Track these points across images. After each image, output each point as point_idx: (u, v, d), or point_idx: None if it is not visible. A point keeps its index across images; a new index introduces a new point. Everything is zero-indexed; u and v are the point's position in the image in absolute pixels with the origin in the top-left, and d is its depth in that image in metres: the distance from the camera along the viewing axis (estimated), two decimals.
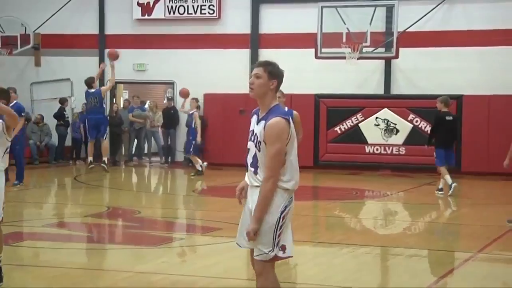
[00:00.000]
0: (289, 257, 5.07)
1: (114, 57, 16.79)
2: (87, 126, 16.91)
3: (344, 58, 18.48)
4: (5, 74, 22.45)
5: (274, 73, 5.02)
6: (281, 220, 4.93)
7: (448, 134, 14.24)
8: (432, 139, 14.45)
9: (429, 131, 15.74)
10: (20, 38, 21.96)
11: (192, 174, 18.01)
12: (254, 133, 5.02)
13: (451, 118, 14.40)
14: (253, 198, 5.01)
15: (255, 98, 5.05)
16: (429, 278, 7.82)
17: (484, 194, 15.68)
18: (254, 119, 5.10)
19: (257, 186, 4.99)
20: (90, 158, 16.69)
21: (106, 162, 16.85)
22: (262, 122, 4.97)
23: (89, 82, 16.57)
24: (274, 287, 5.10)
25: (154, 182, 19.39)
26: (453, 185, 14.00)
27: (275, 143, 4.87)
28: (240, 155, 18.62)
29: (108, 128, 17.24)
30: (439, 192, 14.30)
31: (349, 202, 14.39)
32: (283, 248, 4.98)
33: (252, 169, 5.01)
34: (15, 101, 13.85)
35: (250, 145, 5.06)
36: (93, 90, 16.45)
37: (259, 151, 4.95)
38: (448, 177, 14.10)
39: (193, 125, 17.69)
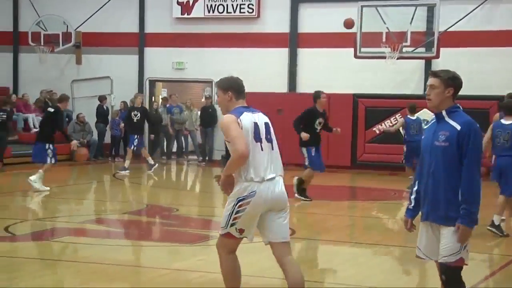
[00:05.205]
0: (242, 238, 5.46)
1: None
2: None
3: (383, 57, 18.33)
4: (47, 72, 22.80)
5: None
6: (236, 206, 5.33)
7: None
8: None
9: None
10: (62, 36, 22.27)
11: None
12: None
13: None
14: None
15: None
16: (472, 279, 7.70)
17: None
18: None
19: None
20: None
21: None
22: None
23: None
24: (225, 270, 5.53)
25: (191, 180, 19.47)
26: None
27: None
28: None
29: None
30: None
31: (387, 202, 14.27)
32: (241, 231, 5.41)
33: None
34: None
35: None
36: None
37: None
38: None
39: None
